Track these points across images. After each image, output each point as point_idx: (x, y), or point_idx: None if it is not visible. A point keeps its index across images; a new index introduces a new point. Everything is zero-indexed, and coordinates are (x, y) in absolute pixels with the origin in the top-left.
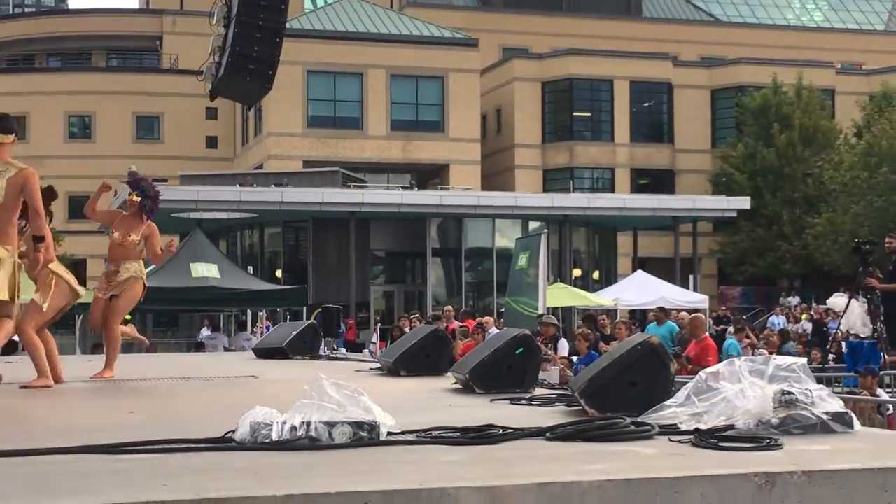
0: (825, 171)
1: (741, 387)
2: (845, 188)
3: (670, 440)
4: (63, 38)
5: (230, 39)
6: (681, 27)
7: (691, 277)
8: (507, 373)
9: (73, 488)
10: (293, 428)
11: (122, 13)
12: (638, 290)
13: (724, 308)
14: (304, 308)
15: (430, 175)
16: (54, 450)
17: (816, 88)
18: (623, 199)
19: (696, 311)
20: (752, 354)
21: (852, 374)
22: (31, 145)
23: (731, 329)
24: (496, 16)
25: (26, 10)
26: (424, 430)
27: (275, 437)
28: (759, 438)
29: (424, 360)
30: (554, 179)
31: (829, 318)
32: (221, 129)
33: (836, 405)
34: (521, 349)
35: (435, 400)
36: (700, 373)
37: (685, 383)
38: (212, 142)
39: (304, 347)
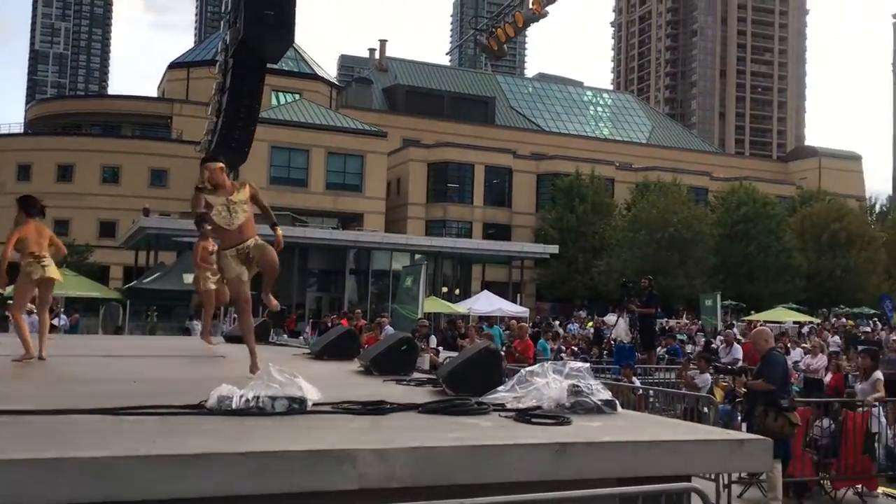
0: (606, 231)
1: (547, 380)
2: (619, 243)
3: (500, 415)
4: (101, 113)
5: (219, 126)
6: (519, 132)
7: (518, 296)
8: (395, 362)
9: (87, 442)
10: (247, 400)
11: (145, 99)
12: (484, 303)
13: (539, 317)
14: (261, 307)
15: (351, 220)
16: (76, 410)
17: (603, 178)
18: (477, 243)
19: (521, 318)
20: (559, 351)
21: (618, 366)
22: (75, 185)
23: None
24: (400, 117)
25: (77, 93)
26: (337, 403)
27: (234, 406)
28: (557, 416)
29: (340, 349)
30: (433, 227)
31: (605, 327)
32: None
33: (607, 395)
34: (405, 346)
35: (346, 379)
36: (521, 370)
37: (514, 370)
38: None
39: (259, 335)
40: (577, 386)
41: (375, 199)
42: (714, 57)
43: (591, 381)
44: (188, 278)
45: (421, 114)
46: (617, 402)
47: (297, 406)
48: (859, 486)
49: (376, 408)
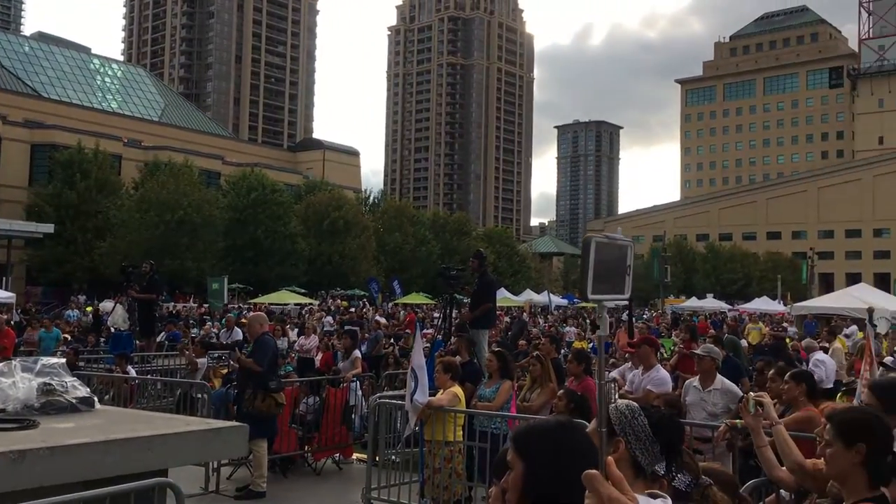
0: (111, 211)
1: (14, 380)
2: (125, 224)
3: None
4: None
5: None
6: (10, 95)
7: (5, 279)
8: None
9: None
10: None
11: None
12: None
13: (29, 304)
14: None
15: None
16: None
17: (109, 153)
18: None
19: (7, 304)
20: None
21: (112, 356)
22: None
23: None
24: None
25: None
26: None
27: None
28: (21, 420)
29: None
30: None
31: (104, 313)
32: None
33: (84, 392)
34: None
35: None
36: None
37: None
38: None
39: None
40: (50, 384)
41: None
42: (231, 42)
43: (66, 377)
44: None
45: None
46: (95, 399)
47: None
48: (337, 454)
49: None
